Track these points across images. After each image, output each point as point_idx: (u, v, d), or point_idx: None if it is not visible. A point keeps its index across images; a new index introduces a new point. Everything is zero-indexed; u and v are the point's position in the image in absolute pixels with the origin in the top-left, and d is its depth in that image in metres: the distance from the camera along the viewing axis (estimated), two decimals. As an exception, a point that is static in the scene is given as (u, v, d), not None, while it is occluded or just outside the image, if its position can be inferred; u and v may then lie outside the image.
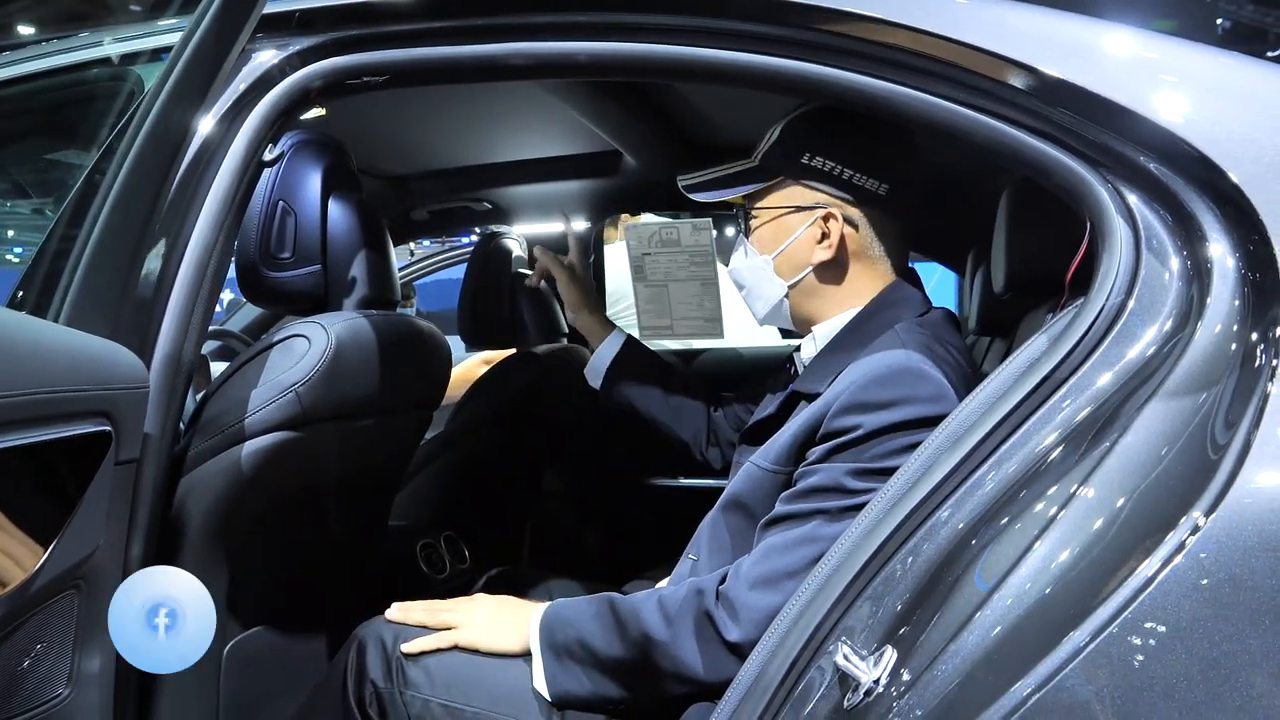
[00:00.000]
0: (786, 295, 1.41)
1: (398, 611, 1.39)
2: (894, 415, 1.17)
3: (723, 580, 1.22)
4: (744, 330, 3.13)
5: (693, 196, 1.43)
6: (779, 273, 1.40)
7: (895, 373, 1.20)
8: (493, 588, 1.84)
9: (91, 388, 0.97)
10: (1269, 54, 1.08)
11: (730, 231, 3.29)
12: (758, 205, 1.41)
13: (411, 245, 5.63)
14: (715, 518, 1.34)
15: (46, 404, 0.90)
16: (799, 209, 1.37)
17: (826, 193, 1.36)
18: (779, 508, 1.23)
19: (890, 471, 1.04)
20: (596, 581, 1.84)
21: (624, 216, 3.13)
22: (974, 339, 2.66)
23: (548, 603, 1.33)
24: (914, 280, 1.41)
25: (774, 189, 1.39)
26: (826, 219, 1.35)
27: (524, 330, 2.64)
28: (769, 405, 1.41)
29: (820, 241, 1.36)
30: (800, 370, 1.42)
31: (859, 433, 1.18)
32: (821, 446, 1.21)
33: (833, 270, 1.38)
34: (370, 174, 2.69)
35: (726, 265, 1.49)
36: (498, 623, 1.34)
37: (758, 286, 1.43)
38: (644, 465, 2.99)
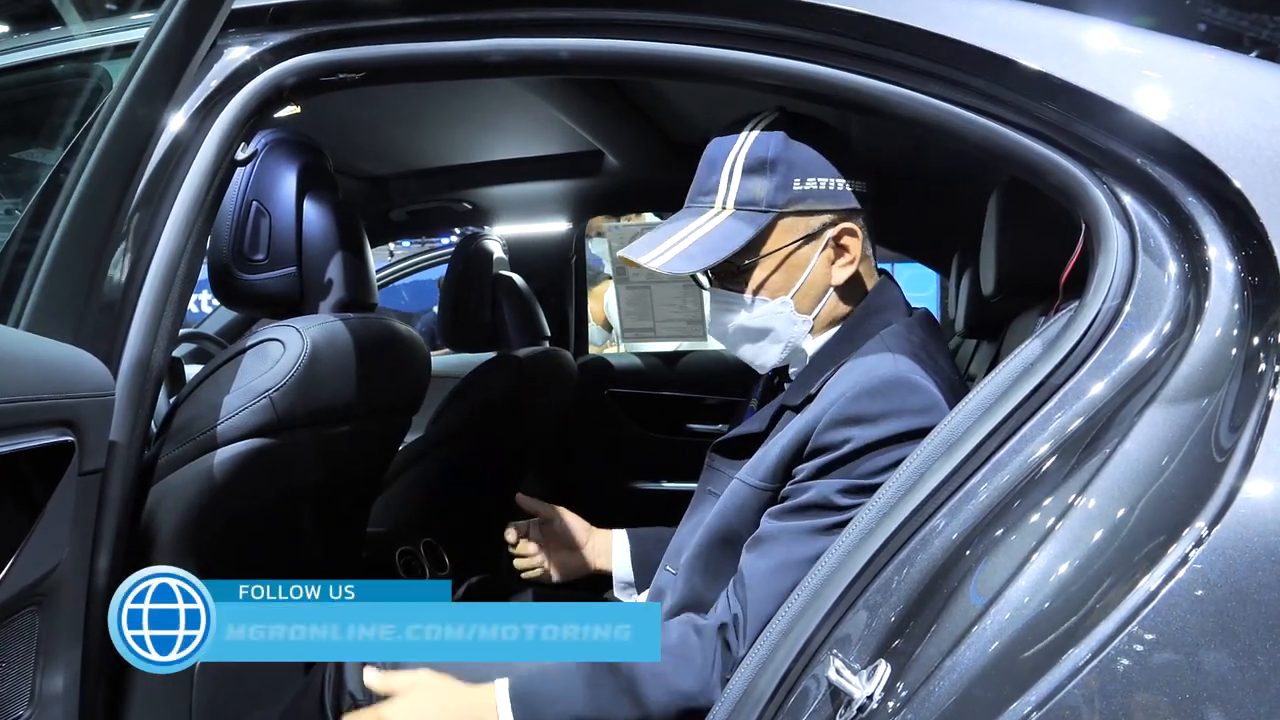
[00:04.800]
0: (811, 329, 1.29)
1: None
2: (885, 429, 1.13)
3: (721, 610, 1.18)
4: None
5: (667, 272, 1.24)
6: (799, 310, 1.27)
7: (886, 384, 1.16)
8: (473, 595, 1.80)
9: (52, 396, 0.94)
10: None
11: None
12: (762, 254, 1.25)
13: (390, 246, 5.60)
14: (698, 534, 1.28)
15: (3, 414, 0.86)
16: (809, 239, 1.25)
17: (830, 210, 1.25)
18: (766, 525, 1.18)
19: None
20: (576, 588, 1.80)
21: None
22: (959, 341, 2.65)
23: (502, 680, 1.16)
24: (891, 279, 1.36)
25: (769, 229, 1.24)
26: (840, 236, 1.26)
27: (505, 333, 2.61)
28: (752, 419, 1.34)
29: (836, 261, 1.27)
30: (788, 380, 1.36)
31: (849, 448, 1.14)
32: (810, 463, 1.17)
33: (846, 284, 1.29)
34: (347, 174, 2.65)
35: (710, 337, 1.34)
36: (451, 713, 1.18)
37: (776, 333, 1.28)
38: (625, 469, 2.97)
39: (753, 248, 1.25)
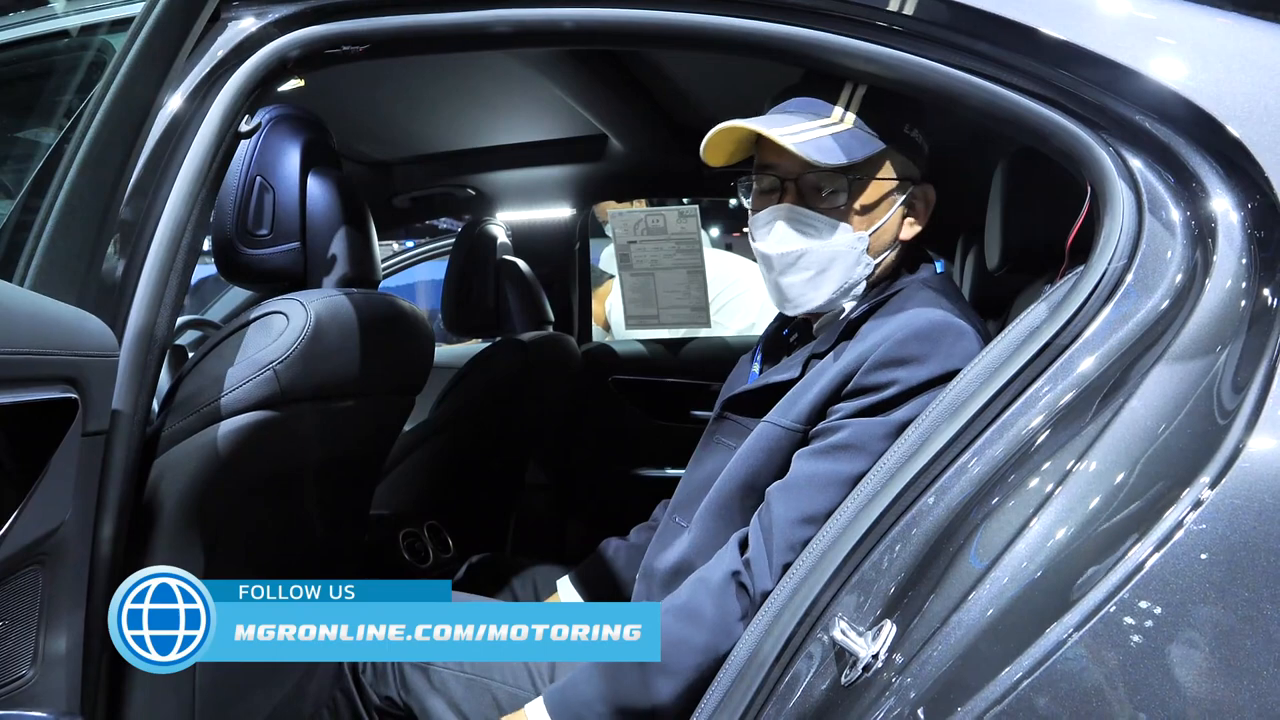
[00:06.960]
0: (868, 277, 1.26)
1: None
2: (929, 370, 1.12)
3: (743, 548, 1.17)
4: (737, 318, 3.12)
5: (800, 150, 1.16)
6: (868, 251, 1.25)
7: (935, 328, 1.15)
8: (475, 574, 1.80)
9: (56, 352, 0.93)
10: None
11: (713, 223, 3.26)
12: (877, 175, 1.23)
13: (393, 244, 5.59)
14: (719, 481, 1.26)
15: (7, 365, 0.86)
16: (902, 183, 1.26)
17: (918, 166, 1.28)
18: (797, 468, 1.16)
19: None
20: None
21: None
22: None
23: (534, 702, 1.19)
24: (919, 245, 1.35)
25: (881, 157, 1.23)
26: (923, 195, 1.28)
27: (509, 318, 2.61)
28: (782, 366, 1.31)
29: (907, 216, 1.28)
30: (797, 335, 1.36)
31: (894, 390, 1.13)
32: (850, 403, 1.15)
33: (903, 247, 1.30)
34: (350, 159, 2.65)
35: (772, 244, 1.24)
36: None
37: (839, 269, 1.24)
38: (629, 454, 2.96)
39: (867, 167, 1.22)
